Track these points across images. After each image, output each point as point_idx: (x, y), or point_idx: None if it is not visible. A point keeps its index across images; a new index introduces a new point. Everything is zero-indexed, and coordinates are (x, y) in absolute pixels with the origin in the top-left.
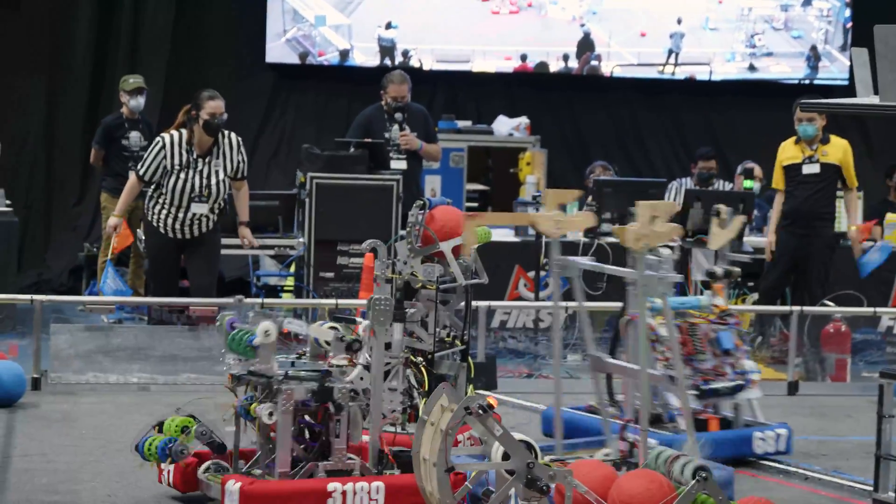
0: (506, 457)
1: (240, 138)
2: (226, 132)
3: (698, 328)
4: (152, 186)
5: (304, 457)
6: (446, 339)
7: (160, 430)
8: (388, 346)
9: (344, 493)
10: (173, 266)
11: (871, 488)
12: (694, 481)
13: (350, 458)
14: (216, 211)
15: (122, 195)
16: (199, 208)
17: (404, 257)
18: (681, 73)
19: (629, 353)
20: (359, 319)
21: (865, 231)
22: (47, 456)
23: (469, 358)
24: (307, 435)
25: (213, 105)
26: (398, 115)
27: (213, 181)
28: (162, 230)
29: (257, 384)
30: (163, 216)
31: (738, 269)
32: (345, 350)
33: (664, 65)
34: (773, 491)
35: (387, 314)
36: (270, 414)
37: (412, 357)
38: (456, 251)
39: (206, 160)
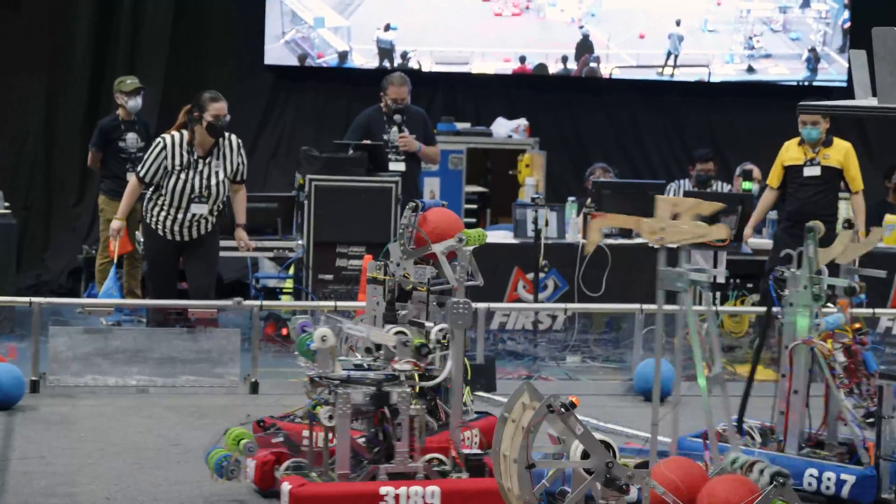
0: (585, 455)
1: (240, 140)
2: (227, 134)
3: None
4: (151, 189)
5: (370, 459)
6: (442, 340)
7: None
8: (378, 347)
9: (397, 497)
10: (172, 268)
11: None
12: (771, 486)
13: (412, 462)
14: (215, 212)
15: (123, 198)
16: (198, 209)
17: (397, 259)
18: (680, 75)
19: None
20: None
21: None
22: (46, 458)
23: (465, 359)
24: (381, 437)
25: (217, 107)
26: (397, 117)
27: (213, 182)
28: (160, 232)
29: (328, 387)
30: (161, 217)
31: (863, 284)
32: (415, 354)
33: (663, 66)
34: None
35: (465, 318)
36: (330, 417)
37: None
38: (450, 254)
39: (207, 161)
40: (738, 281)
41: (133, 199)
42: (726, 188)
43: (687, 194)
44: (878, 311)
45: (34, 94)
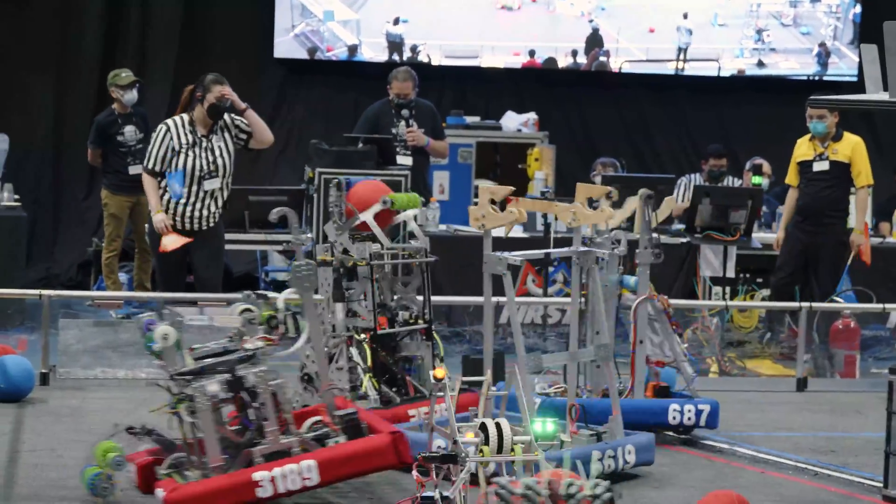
0: None
1: (232, 114)
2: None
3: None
4: (162, 182)
5: (243, 444)
6: (409, 319)
7: None
8: (333, 329)
9: (273, 479)
10: (180, 261)
11: (880, 485)
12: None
13: (285, 438)
14: (224, 190)
15: (148, 195)
16: (211, 184)
17: (332, 237)
18: (690, 70)
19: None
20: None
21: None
22: (56, 451)
23: (435, 335)
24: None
25: (220, 89)
26: (405, 112)
27: (220, 156)
28: (169, 222)
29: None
30: (171, 206)
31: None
32: (266, 329)
33: (675, 60)
34: (783, 487)
35: (310, 279)
36: (192, 412)
37: (355, 335)
38: (380, 219)
39: (210, 138)
40: (747, 276)
41: (156, 191)
42: (736, 183)
43: (698, 189)
44: (887, 306)
45: (44, 88)
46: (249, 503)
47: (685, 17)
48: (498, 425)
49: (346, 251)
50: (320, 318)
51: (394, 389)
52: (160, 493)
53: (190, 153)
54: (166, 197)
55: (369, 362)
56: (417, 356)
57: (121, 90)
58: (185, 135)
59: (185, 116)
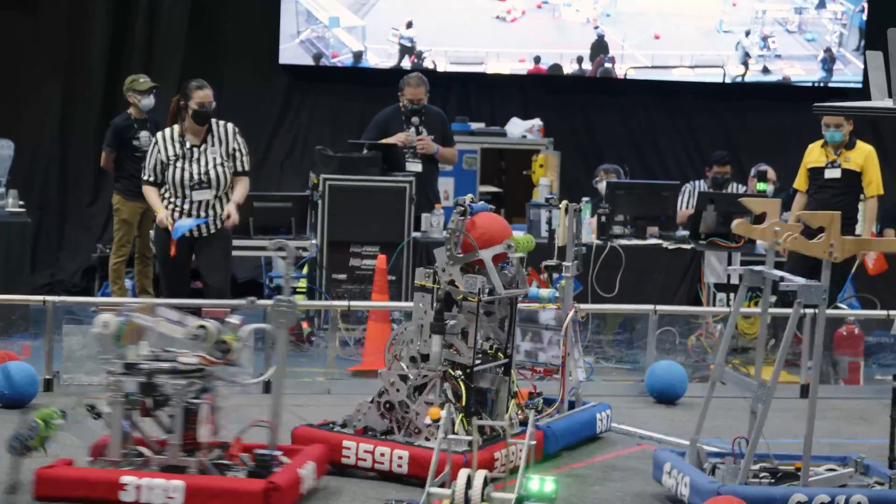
0: None
1: (236, 127)
2: (220, 122)
3: None
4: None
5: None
6: (489, 351)
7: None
8: (425, 357)
9: (138, 487)
10: (184, 267)
11: None
12: None
13: (185, 456)
14: (222, 200)
15: (149, 201)
16: (200, 195)
17: (443, 265)
18: (695, 76)
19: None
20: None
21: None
22: (59, 457)
23: (512, 371)
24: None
25: (202, 94)
26: (415, 119)
27: (212, 167)
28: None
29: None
30: (169, 211)
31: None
32: (213, 349)
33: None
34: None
35: (289, 316)
36: (109, 404)
37: (451, 371)
38: (496, 259)
39: (202, 149)
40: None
41: (157, 194)
42: (741, 189)
43: (702, 195)
44: (891, 312)
45: (50, 94)
46: (112, 503)
47: (747, 34)
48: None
49: (452, 282)
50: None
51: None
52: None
53: (178, 164)
54: (170, 208)
55: (463, 401)
56: (492, 390)
57: (139, 95)
58: (174, 146)
59: (176, 128)
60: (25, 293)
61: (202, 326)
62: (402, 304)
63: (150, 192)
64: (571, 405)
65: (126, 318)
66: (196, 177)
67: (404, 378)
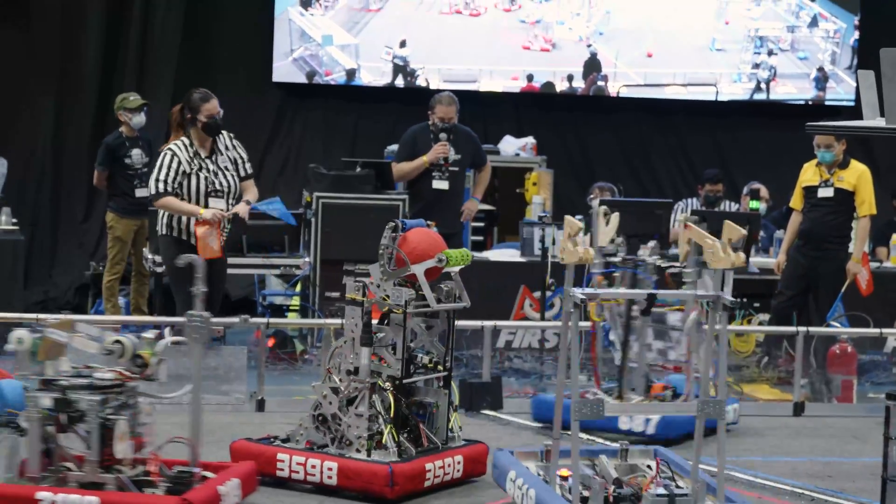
0: None
1: (231, 133)
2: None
3: None
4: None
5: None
6: (428, 364)
7: None
8: (355, 370)
9: (53, 503)
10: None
11: None
12: None
13: (103, 472)
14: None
15: (180, 209)
16: (216, 203)
17: (377, 280)
18: (688, 94)
19: None
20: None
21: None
22: None
23: (452, 384)
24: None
25: (209, 107)
26: (443, 135)
27: (225, 176)
28: (184, 238)
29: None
30: (184, 222)
31: None
32: (127, 365)
33: (674, 85)
34: None
35: (203, 332)
36: (26, 419)
37: (381, 383)
38: (430, 274)
39: (213, 159)
40: (744, 300)
41: (181, 202)
42: (734, 207)
43: (695, 213)
44: (884, 331)
45: (42, 110)
46: None
47: (770, 54)
48: None
49: (386, 297)
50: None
51: (404, 435)
52: None
53: (198, 175)
54: (178, 217)
55: (392, 412)
56: (433, 403)
57: (129, 113)
58: (190, 158)
59: (186, 140)
60: (18, 310)
61: (118, 342)
62: None
63: (173, 201)
64: None
65: (41, 334)
66: (212, 186)
67: (335, 391)
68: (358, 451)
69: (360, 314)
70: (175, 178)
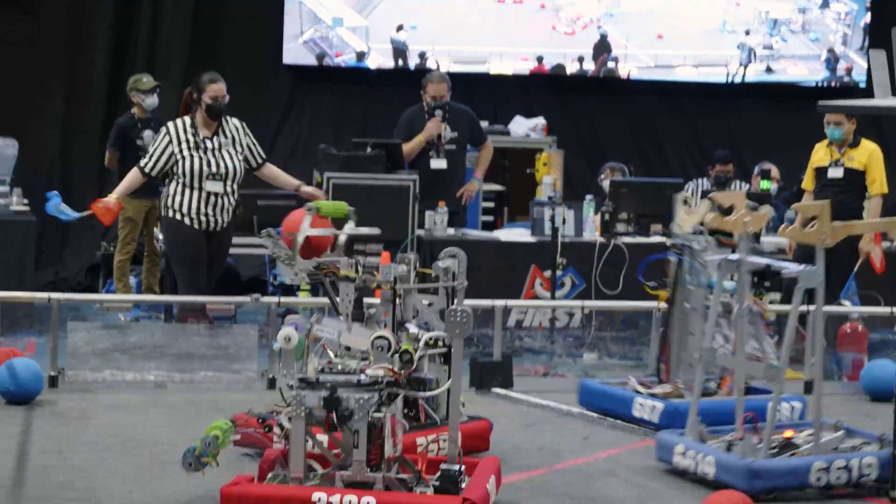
0: None
1: (243, 122)
2: (227, 117)
3: None
4: (170, 185)
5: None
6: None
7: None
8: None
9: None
10: (202, 257)
11: (888, 486)
12: None
13: (370, 472)
14: (233, 196)
15: (123, 182)
16: (213, 186)
17: (290, 278)
18: (698, 76)
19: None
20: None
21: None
22: (64, 453)
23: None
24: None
25: (215, 88)
26: (438, 113)
27: (225, 160)
28: (186, 221)
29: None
30: (185, 201)
31: None
32: (395, 361)
33: (685, 66)
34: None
35: (465, 327)
36: (289, 419)
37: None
38: (321, 243)
39: (214, 140)
40: (755, 279)
41: (131, 185)
42: (744, 188)
43: (705, 193)
44: (895, 309)
45: (53, 91)
46: None
47: (747, 33)
48: None
49: (372, 272)
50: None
51: (405, 412)
52: (224, 485)
53: (192, 155)
54: (178, 198)
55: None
56: (432, 379)
57: (142, 95)
58: (187, 138)
59: (187, 119)
60: (30, 291)
61: (382, 337)
62: None
63: (132, 178)
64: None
65: (305, 332)
66: (211, 168)
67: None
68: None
69: (353, 290)
70: (164, 164)
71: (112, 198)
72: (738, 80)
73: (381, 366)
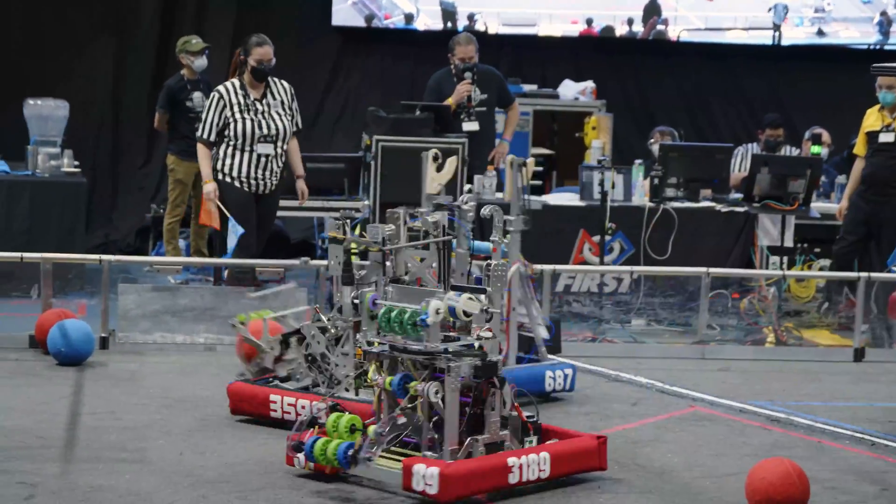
0: None
1: (291, 87)
2: (276, 79)
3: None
4: (221, 147)
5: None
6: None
7: (321, 429)
8: (340, 310)
9: (521, 467)
10: (252, 220)
11: None
12: None
13: (503, 431)
14: (281, 159)
15: (200, 164)
16: (264, 149)
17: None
18: (749, 39)
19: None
20: None
21: None
22: (115, 414)
23: None
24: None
25: (262, 51)
26: (467, 75)
27: (275, 120)
28: (237, 184)
29: (415, 362)
30: (236, 164)
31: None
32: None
33: (735, 29)
34: (839, 457)
35: (502, 279)
36: (437, 392)
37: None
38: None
39: (264, 102)
40: (805, 245)
41: (208, 159)
42: (794, 152)
43: (756, 158)
44: None
45: (102, 55)
46: (501, 488)
47: None
48: None
49: (363, 234)
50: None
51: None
52: (427, 469)
53: (244, 116)
54: (229, 161)
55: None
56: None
57: (191, 56)
58: (238, 100)
59: (237, 81)
60: (80, 252)
61: (472, 298)
62: None
63: (203, 154)
64: (533, 362)
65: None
66: (261, 130)
67: (323, 330)
68: (347, 390)
69: (342, 252)
70: (219, 122)
71: (210, 186)
72: (783, 42)
73: (485, 327)
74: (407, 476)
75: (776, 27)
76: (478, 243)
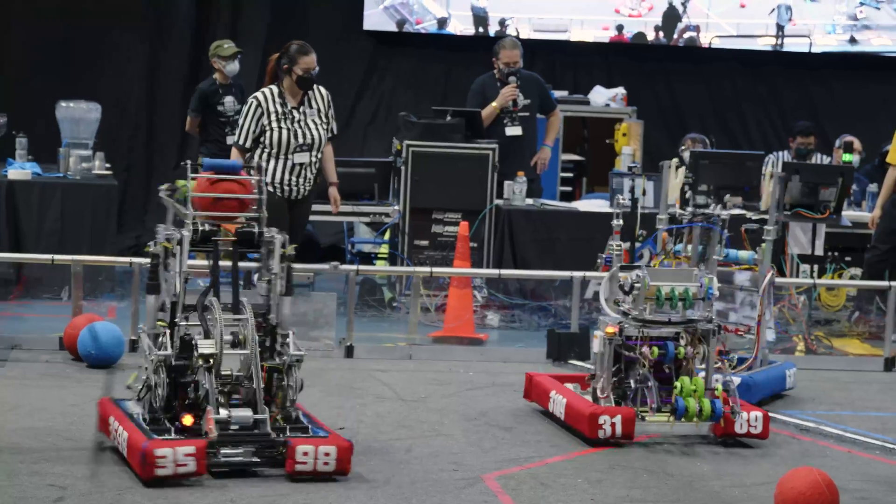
0: None
1: (329, 94)
2: (315, 86)
3: None
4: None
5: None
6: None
7: None
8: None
9: None
10: (284, 225)
11: None
12: None
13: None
14: (316, 164)
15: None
16: (301, 158)
17: None
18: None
19: None
20: None
21: None
22: None
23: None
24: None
25: (307, 60)
26: (511, 79)
27: (311, 129)
28: (271, 189)
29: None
30: (270, 171)
31: None
32: None
33: (766, 36)
34: (869, 467)
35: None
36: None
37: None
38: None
39: (301, 110)
40: (836, 254)
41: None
42: (825, 160)
43: (786, 166)
44: None
45: (135, 58)
46: None
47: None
48: None
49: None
50: None
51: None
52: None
53: (281, 125)
54: (264, 167)
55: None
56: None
57: (223, 61)
58: (276, 108)
59: (275, 88)
60: (111, 255)
61: None
62: (484, 270)
63: (236, 157)
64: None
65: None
66: (299, 139)
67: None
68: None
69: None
70: (255, 129)
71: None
72: (777, 47)
73: None
74: None
75: (780, 28)
76: (733, 252)
